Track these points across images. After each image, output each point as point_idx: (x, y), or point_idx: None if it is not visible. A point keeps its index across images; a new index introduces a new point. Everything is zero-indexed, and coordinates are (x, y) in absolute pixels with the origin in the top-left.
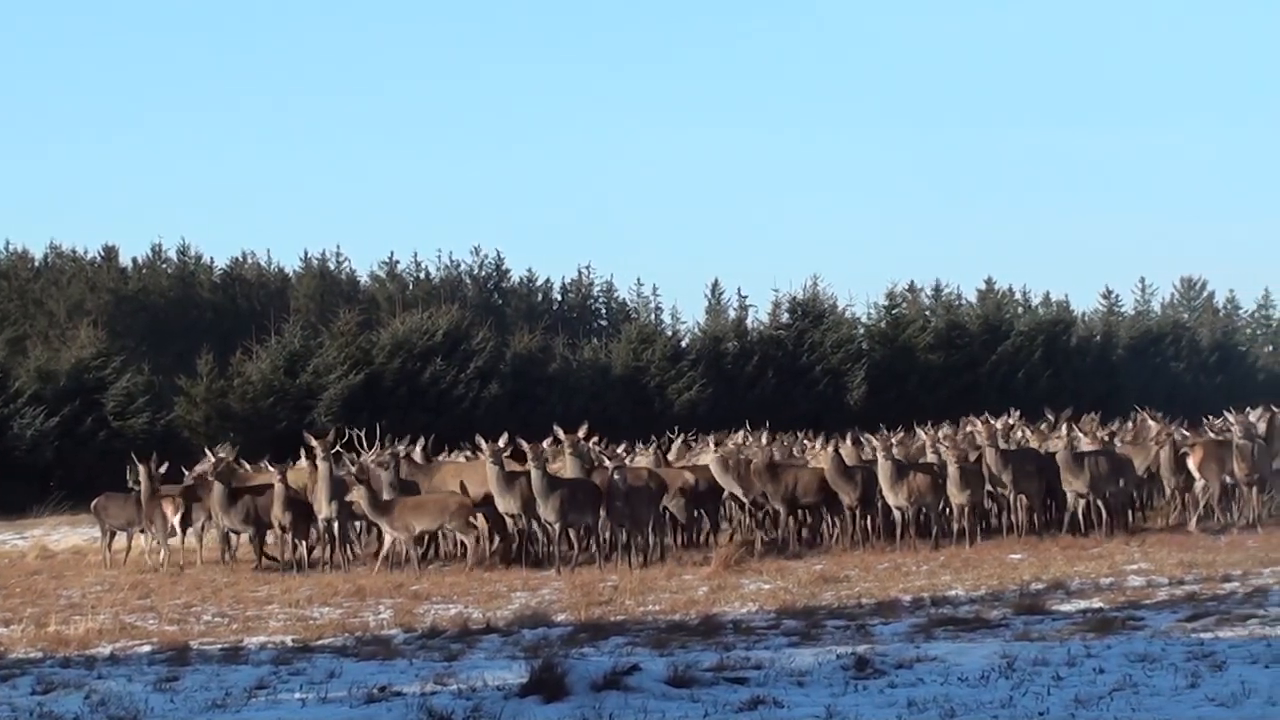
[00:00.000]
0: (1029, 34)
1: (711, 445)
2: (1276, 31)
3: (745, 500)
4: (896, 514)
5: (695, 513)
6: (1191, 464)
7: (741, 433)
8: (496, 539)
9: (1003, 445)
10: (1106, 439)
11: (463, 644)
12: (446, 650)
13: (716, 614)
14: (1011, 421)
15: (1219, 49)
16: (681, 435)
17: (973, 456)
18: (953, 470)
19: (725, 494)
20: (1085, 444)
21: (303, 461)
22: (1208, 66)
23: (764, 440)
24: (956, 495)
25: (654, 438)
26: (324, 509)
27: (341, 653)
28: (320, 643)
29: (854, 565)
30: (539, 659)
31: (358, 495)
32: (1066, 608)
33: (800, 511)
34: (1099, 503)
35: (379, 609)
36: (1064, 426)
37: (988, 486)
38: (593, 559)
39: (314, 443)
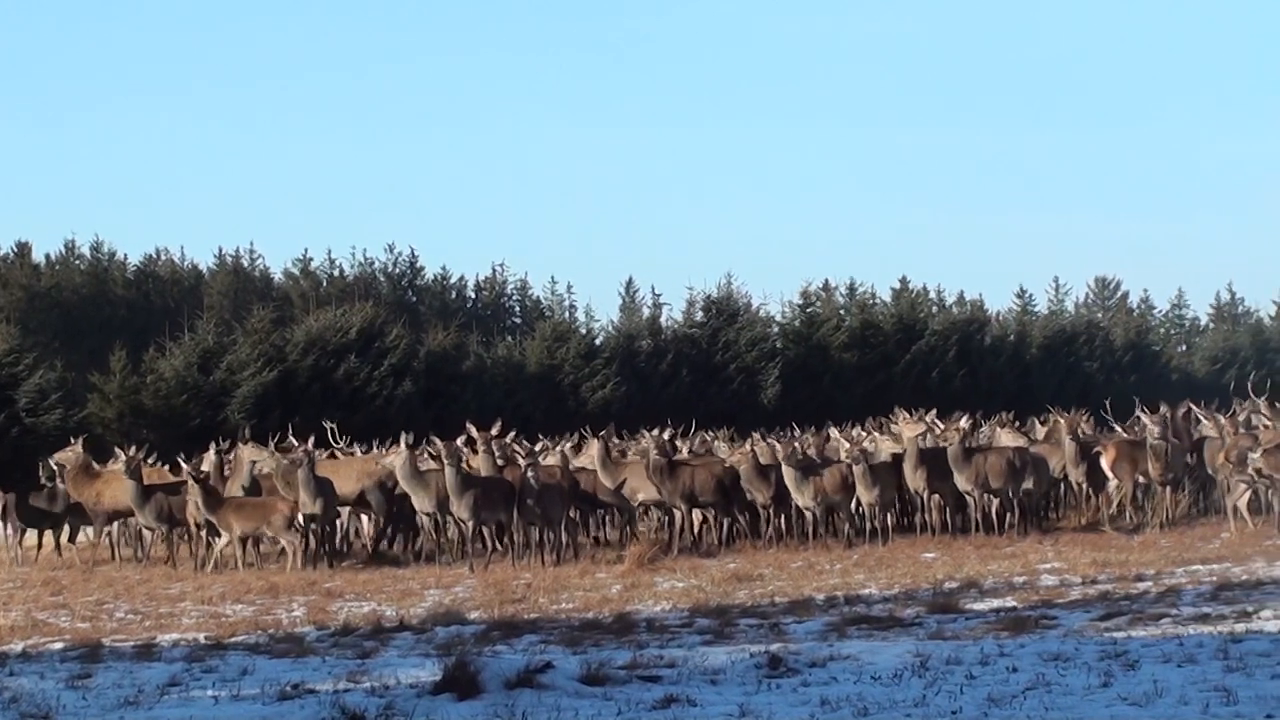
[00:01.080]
0: (945, 33)
1: (595, 444)
2: (1186, 34)
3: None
4: (807, 514)
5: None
6: (1105, 463)
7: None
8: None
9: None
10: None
11: (376, 642)
12: (359, 648)
13: (630, 612)
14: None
15: (1131, 50)
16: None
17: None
18: (859, 469)
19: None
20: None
21: (211, 455)
22: (1119, 68)
23: (664, 438)
24: (865, 494)
25: (572, 435)
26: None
27: (254, 650)
28: (233, 640)
29: (767, 564)
30: (452, 657)
31: (192, 492)
32: (980, 606)
33: (700, 510)
34: (1014, 502)
35: (292, 606)
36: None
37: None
38: (506, 556)
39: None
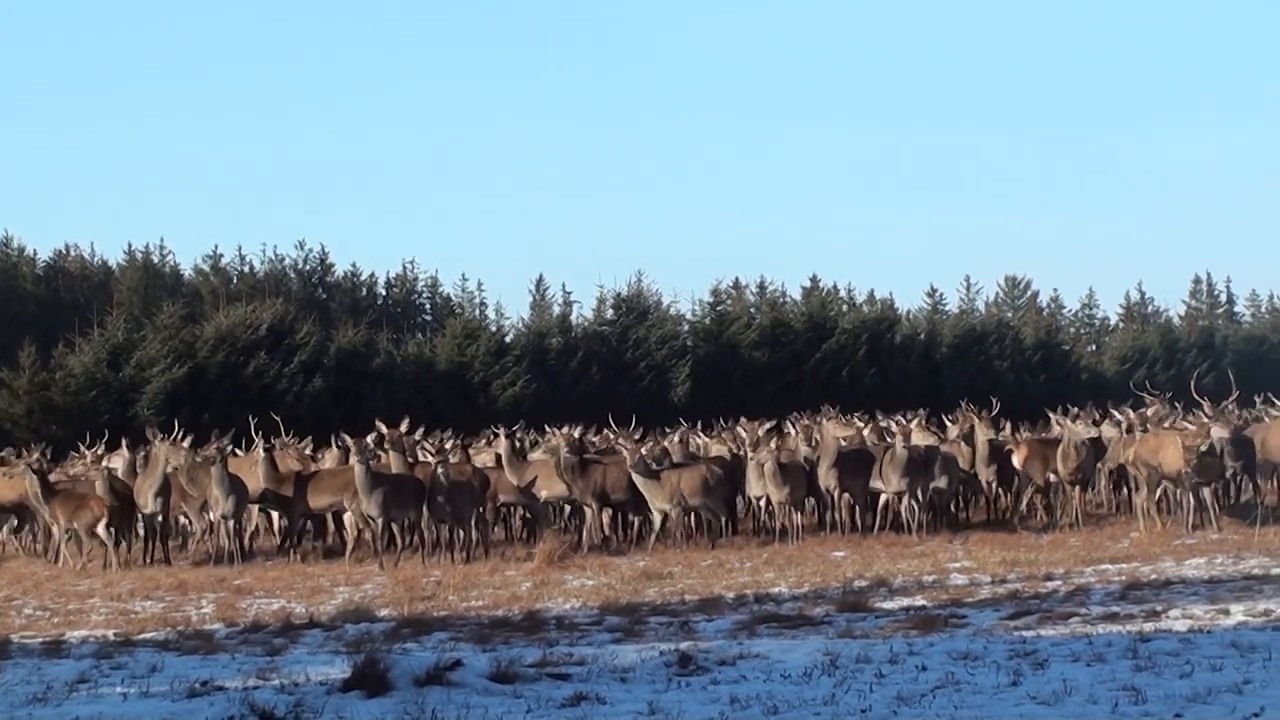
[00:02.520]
0: (855, 29)
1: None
2: (1097, 34)
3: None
4: (657, 516)
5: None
6: (1016, 462)
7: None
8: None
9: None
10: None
11: (285, 639)
12: (269, 645)
13: (540, 610)
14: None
15: (1042, 50)
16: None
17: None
18: (770, 466)
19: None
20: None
21: (125, 452)
22: (1029, 67)
23: (575, 435)
24: (775, 492)
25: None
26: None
27: (163, 647)
28: (142, 637)
29: (677, 562)
30: (362, 654)
31: (28, 482)
32: (889, 605)
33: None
34: (921, 500)
35: (201, 603)
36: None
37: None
38: (416, 554)
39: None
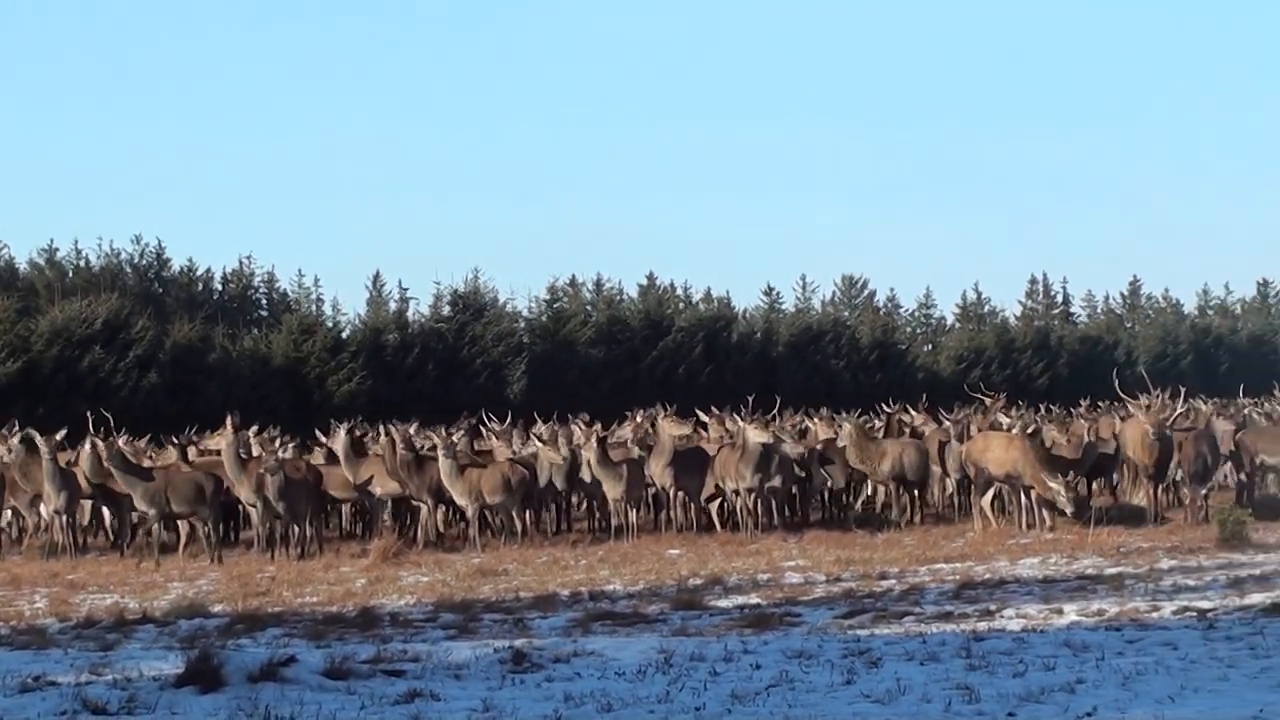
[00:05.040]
0: (690, 26)
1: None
2: (933, 31)
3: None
4: (467, 511)
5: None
6: (852, 460)
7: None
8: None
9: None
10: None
11: (119, 634)
12: (102, 640)
13: (374, 606)
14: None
15: (877, 47)
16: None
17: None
18: (594, 460)
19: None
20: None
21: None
22: (864, 65)
23: (411, 432)
24: (612, 490)
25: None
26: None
27: None
28: None
29: (512, 559)
30: (195, 650)
31: None
32: (724, 604)
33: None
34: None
35: (34, 598)
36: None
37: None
38: (250, 549)
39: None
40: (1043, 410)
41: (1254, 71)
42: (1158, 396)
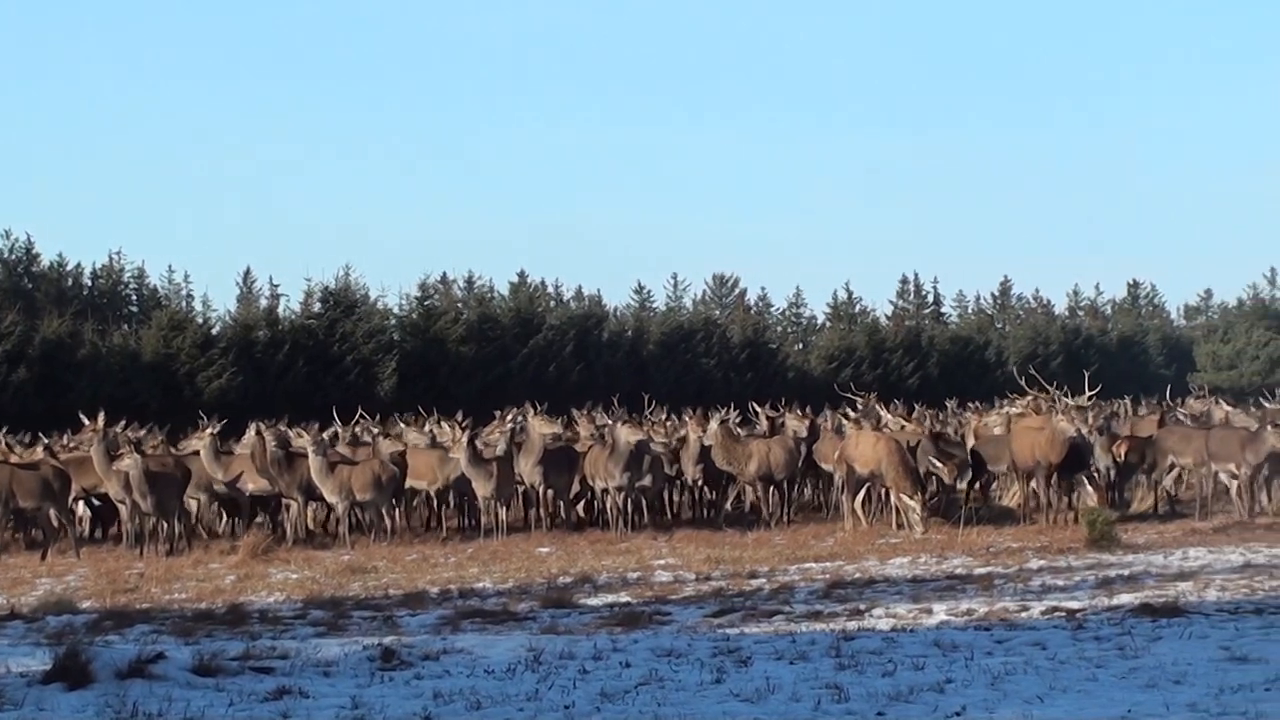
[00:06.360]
0: (555, 25)
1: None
2: (804, 28)
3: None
4: (337, 508)
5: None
6: (719, 461)
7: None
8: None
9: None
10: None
11: None
12: None
13: (243, 603)
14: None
15: (746, 44)
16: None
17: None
18: (464, 459)
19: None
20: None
21: None
22: (739, 63)
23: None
24: (482, 488)
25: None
26: None
27: None
28: None
29: (382, 556)
30: (63, 646)
31: None
32: (594, 602)
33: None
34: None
35: None
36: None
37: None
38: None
39: None
40: (916, 410)
41: (1123, 66)
42: (1062, 397)
